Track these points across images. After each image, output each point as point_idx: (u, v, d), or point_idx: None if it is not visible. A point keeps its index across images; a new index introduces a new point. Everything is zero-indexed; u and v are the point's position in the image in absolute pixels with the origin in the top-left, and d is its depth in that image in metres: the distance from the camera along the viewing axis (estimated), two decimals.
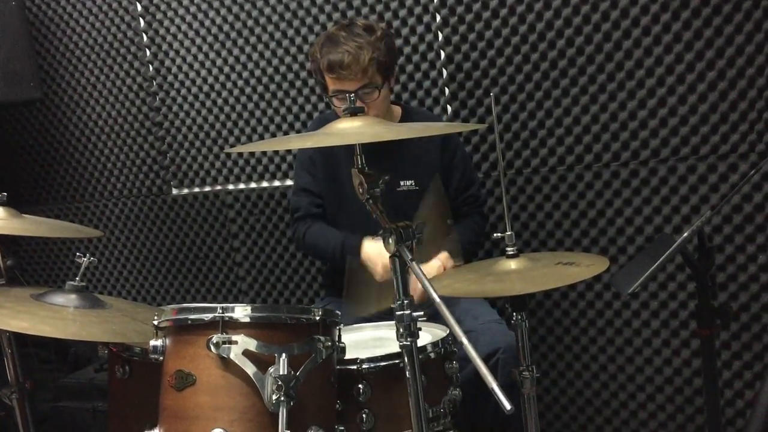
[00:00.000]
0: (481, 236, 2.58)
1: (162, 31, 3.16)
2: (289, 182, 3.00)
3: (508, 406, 1.22)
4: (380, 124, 1.57)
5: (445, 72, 2.71)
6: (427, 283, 1.40)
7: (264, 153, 3.07)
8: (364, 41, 2.21)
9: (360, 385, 1.78)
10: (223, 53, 3.06)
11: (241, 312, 1.58)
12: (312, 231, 2.44)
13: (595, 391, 2.70)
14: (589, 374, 2.70)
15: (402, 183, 2.38)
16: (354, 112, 1.53)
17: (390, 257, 1.49)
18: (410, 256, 1.44)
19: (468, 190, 2.49)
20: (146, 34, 3.21)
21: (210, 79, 3.11)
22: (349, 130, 1.51)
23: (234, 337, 1.54)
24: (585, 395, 2.72)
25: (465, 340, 1.30)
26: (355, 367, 1.79)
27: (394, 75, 2.36)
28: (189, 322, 1.60)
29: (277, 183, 3.08)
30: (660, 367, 2.59)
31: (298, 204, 2.48)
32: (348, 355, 1.76)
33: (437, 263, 2.27)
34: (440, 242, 2.34)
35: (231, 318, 1.57)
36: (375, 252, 2.22)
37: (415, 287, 2.13)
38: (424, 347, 1.84)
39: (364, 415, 1.78)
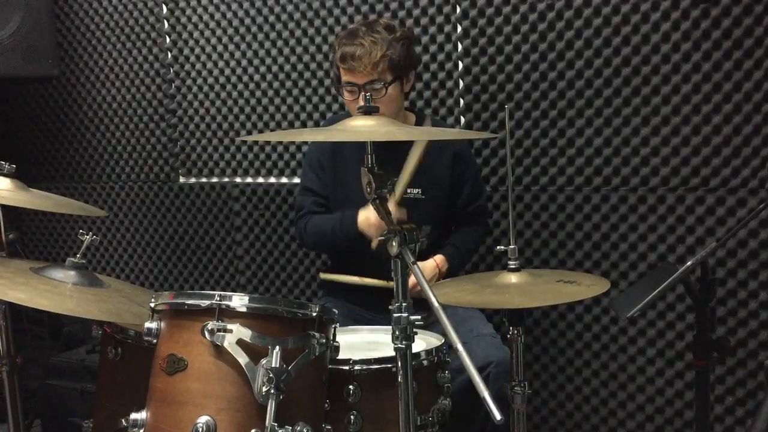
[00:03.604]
0: (479, 246, 2.60)
1: (183, 19, 3.18)
2: (296, 180, 3.00)
3: (498, 416, 1.21)
4: (393, 125, 1.57)
5: (461, 83, 2.71)
6: (427, 287, 1.40)
7: (273, 148, 3.08)
8: (380, 37, 2.25)
9: (350, 386, 1.77)
10: (242, 46, 3.07)
11: (239, 301, 1.57)
12: (313, 220, 2.45)
13: (585, 415, 2.69)
14: (581, 397, 2.69)
15: (409, 190, 2.38)
16: (368, 111, 1.53)
17: (392, 258, 1.48)
18: (412, 259, 1.44)
19: (476, 202, 2.50)
20: (168, 20, 3.23)
21: (227, 71, 3.12)
22: (362, 127, 1.51)
23: (229, 326, 1.54)
24: (575, 418, 2.70)
25: (460, 347, 1.29)
26: (347, 367, 1.78)
27: (408, 77, 2.36)
28: (185, 307, 1.60)
29: (284, 179, 3.08)
30: (652, 396, 2.58)
31: (302, 203, 2.51)
32: (341, 356, 1.75)
33: (432, 263, 2.31)
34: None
35: (228, 306, 1.56)
36: (363, 220, 2.25)
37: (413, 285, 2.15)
38: (417, 354, 1.83)
39: (352, 417, 1.77)
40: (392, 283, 1.49)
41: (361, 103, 2.16)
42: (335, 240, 2.38)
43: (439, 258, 2.35)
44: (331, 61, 2.42)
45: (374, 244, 2.16)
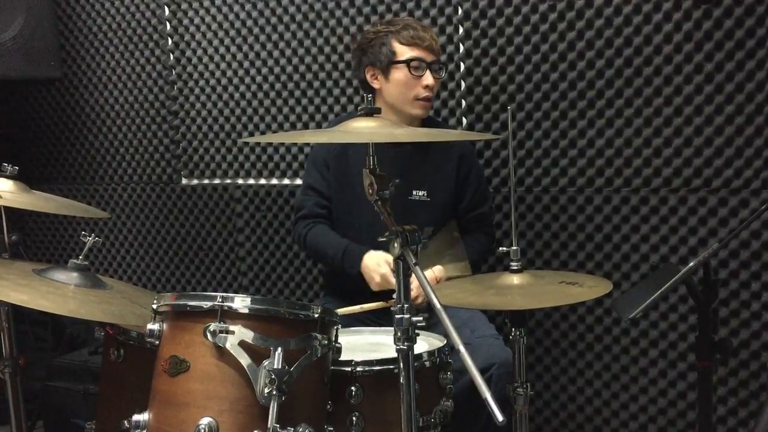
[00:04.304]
0: (483, 256, 2.57)
1: (186, 21, 3.18)
2: (298, 181, 3.01)
3: (500, 417, 1.21)
4: (395, 126, 1.57)
5: (463, 84, 2.71)
6: (429, 289, 1.40)
7: (276, 150, 3.08)
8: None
9: (353, 388, 1.77)
10: (244, 48, 3.08)
11: (240, 303, 1.57)
12: (314, 232, 2.43)
13: (587, 416, 2.69)
14: (583, 398, 2.68)
15: (414, 192, 2.38)
16: (369, 113, 1.53)
17: (393, 260, 1.48)
18: (414, 261, 1.44)
19: (479, 209, 2.49)
20: (170, 22, 3.23)
21: (229, 73, 3.12)
22: (364, 129, 1.51)
23: (231, 327, 1.54)
24: (577, 419, 2.70)
25: (462, 348, 1.29)
26: (349, 369, 1.78)
27: None
28: (188, 308, 1.60)
29: (286, 181, 3.09)
30: (655, 397, 2.57)
31: (303, 203, 2.49)
32: (343, 357, 1.75)
33: (430, 274, 2.29)
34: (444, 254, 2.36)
35: (230, 308, 1.56)
36: (373, 263, 2.25)
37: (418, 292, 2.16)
38: (419, 355, 1.83)
39: (354, 418, 1.76)
40: (392, 302, 1.50)
41: (429, 79, 2.29)
42: (333, 267, 2.41)
43: (438, 269, 2.33)
44: (375, 44, 2.33)
45: (374, 287, 2.22)
